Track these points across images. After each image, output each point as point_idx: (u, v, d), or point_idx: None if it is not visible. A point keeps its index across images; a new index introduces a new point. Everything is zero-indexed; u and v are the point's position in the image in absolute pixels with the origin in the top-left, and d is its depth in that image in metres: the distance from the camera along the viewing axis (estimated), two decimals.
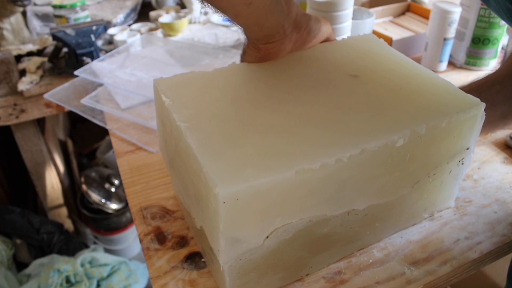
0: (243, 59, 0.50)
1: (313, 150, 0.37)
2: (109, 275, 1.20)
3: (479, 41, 0.85)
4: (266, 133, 0.39)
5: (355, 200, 0.42)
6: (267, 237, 0.38)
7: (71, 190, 1.46)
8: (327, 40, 0.55)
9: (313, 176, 0.36)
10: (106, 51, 1.11)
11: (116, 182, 1.45)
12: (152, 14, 1.31)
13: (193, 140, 0.38)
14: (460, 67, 0.90)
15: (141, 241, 0.50)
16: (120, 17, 1.31)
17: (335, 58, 0.52)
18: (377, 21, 1.07)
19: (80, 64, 1.04)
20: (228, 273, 0.39)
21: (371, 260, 0.47)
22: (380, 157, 0.40)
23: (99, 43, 1.18)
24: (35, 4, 1.32)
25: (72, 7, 1.17)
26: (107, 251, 1.40)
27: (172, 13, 1.25)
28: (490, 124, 0.54)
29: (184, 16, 1.22)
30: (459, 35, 0.88)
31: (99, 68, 0.86)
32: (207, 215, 0.38)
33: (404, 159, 0.42)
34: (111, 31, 1.21)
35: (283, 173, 0.35)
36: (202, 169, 0.35)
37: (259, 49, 0.47)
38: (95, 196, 1.38)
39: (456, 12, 0.81)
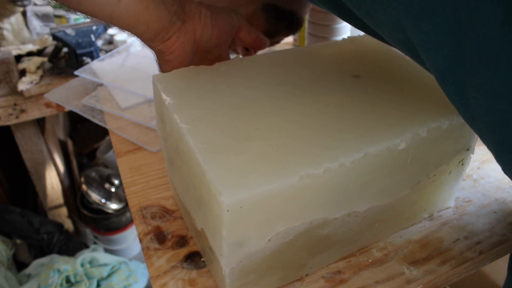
0: (162, 71, 0.47)
1: (316, 155, 0.37)
2: (109, 275, 1.20)
3: None
4: (268, 136, 0.39)
5: (356, 203, 0.42)
6: (268, 240, 0.38)
7: (71, 190, 1.47)
8: (243, 31, 0.50)
9: (316, 181, 0.36)
10: (106, 51, 1.11)
11: (116, 182, 1.45)
12: None
13: (195, 144, 0.37)
14: None
15: (141, 241, 0.50)
16: None
17: (336, 59, 0.52)
18: None
19: (80, 64, 1.04)
20: (229, 275, 0.39)
21: (370, 260, 0.47)
22: (382, 160, 0.40)
23: (99, 43, 1.18)
24: (35, 4, 1.32)
25: None
26: (107, 251, 1.40)
27: None
28: None
29: None
30: None
31: (99, 68, 0.86)
32: (209, 219, 0.37)
33: (405, 162, 0.42)
34: (111, 31, 1.21)
35: (287, 179, 0.35)
36: (205, 175, 0.35)
37: (162, 52, 0.44)
38: (95, 196, 1.38)
39: None
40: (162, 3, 0.40)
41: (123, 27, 0.40)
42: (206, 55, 0.49)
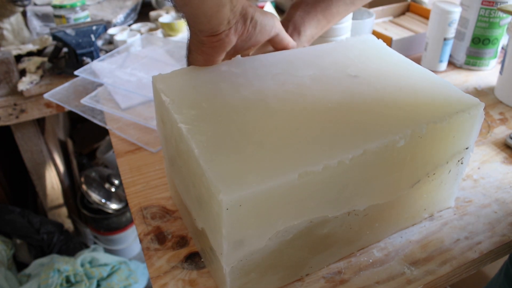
0: (189, 57, 0.48)
1: (315, 152, 0.37)
2: (109, 275, 1.20)
3: (479, 41, 0.85)
4: (267, 135, 0.39)
5: (356, 201, 0.42)
6: (268, 239, 0.38)
7: (71, 190, 1.46)
8: (278, 37, 0.52)
9: (316, 178, 0.36)
10: (106, 51, 1.11)
11: (116, 182, 1.45)
12: (152, 14, 1.31)
13: (195, 143, 0.37)
14: (460, 67, 0.90)
15: (141, 241, 0.50)
16: (120, 17, 1.31)
17: (335, 59, 0.52)
18: (377, 21, 1.07)
19: (80, 64, 1.04)
20: (229, 274, 0.39)
21: (371, 260, 0.47)
22: (381, 157, 0.40)
23: (99, 43, 1.18)
24: (35, 4, 1.32)
25: (72, 7, 1.17)
26: (107, 251, 1.40)
27: (172, 13, 1.25)
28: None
29: None
30: (459, 35, 0.88)
31: (99, 68, 0.86)
32: (210, 218, 0.38)
33: (404, 159, 0.42)
34: (111, 31, 1.21)
35: (286, 177, 0.35)
36: (204, 174, 0.35)
37: (203, 43, 0.44)
38: (95, 196, 1.38)
39: (456, 12, 0.81)
40: (230, 2, 0.41)
41: (189, 14, 0.41)
42: (234, 54, 0.50)
